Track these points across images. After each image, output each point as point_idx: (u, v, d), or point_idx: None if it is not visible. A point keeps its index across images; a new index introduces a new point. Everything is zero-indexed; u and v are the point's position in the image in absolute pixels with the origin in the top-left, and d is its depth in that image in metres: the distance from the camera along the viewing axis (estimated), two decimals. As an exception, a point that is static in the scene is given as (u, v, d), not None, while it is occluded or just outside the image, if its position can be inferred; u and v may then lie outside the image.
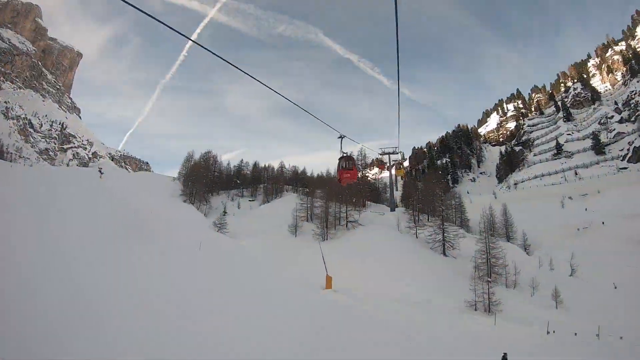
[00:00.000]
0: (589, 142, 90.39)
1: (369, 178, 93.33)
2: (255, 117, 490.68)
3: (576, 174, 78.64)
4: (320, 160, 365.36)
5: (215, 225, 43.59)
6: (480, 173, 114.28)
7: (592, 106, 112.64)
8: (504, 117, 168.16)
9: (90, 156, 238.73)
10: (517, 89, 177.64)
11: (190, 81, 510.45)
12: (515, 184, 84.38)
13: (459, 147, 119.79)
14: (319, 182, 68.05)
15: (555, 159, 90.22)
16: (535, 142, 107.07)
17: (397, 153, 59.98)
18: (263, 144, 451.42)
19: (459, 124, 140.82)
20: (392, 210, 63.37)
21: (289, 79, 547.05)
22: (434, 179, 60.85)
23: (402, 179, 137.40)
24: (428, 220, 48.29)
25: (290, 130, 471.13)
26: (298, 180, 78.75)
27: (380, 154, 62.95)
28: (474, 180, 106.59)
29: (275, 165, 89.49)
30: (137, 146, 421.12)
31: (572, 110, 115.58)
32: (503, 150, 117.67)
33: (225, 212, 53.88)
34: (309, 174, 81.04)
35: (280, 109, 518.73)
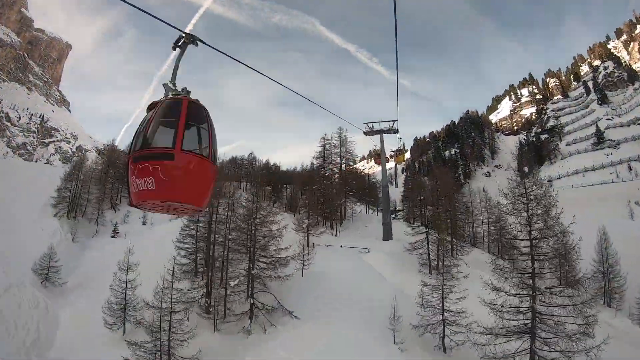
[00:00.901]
0: (636, 130, 70.51)
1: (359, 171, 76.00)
2: (253, 109, 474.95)
3: (630, 168, 59.45)
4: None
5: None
6: (495, 166, 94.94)
7: (631, 86, 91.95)
8: (518, 103, 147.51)
9: (75, 150, 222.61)
10: (530, 73, 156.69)
11: (187, 73, 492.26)
12: (550, 180, 65.23)
13: (469, 136, 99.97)
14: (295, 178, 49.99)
15: (597, 150, 71.00)
16: (567, 129, 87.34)
17: (394, 132, 37.05)
18: (262, 135, 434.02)
19: (467, 110, 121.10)
20: (387, 238, 35.73)
21: (286, 70, 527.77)
22: (441, 174, 40.66)
23: (403, 172, 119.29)
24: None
25: (289, 121, 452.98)
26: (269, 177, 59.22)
27: (368, 131, 37.20)
28: (488, 175, 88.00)
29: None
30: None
31: (606, 92, 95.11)
32: (522, 140, 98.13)
33: (115, 232, 35.72)
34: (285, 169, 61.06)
35: (278, 101, 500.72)
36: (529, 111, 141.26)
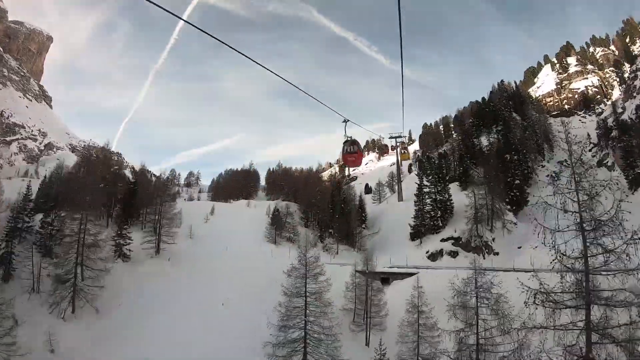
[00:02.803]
0: None
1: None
2: (252, 101, 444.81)
3: None
4: (320, 146, 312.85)
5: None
6: (560, 162, 56.12)
7: None
8: (566, 74, 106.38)
9: (42, 148, 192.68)
10: (567, 42, 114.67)
11: (184, 66, 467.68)
12: None
13: (511, 119, 61.49)
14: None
15: None
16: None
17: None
18: (262, 128, 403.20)
19: (501, 81, 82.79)
20: None
21: (283, 61, 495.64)
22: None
23: (409, 170, 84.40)
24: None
25: (288, 113, 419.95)
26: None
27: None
28: (556, 177, 50.24)
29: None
30: (135, 135, 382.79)
31: None
32: (599, 122, 59.59)
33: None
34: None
35: (276, 92, 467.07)
36: (582, 84, 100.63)
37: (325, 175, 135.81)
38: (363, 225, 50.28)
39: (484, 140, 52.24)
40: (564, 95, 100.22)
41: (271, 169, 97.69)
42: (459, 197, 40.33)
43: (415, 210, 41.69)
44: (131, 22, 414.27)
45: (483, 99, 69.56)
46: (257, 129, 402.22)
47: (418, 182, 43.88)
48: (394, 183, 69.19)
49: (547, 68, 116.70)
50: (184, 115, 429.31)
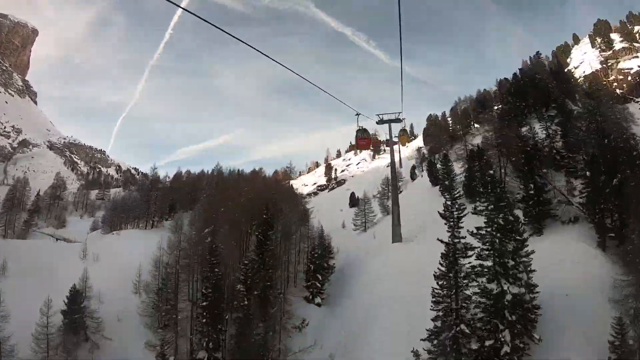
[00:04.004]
0: None
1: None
2: (250, 97, 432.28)
3: None
4: (319, 141, 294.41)
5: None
6: None
7: None
8: (611, 51, 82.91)
9: (16, 146, 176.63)
10: (599, 19, 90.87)
11: (179, 61, 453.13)
12: None
13: (561, 104, 39.31)
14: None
15: None
16: None
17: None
18: (260, 124, 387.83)
19: (537, 53, 62.93)
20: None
21: (281, 56, 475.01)
22: None
23: (413, 175, 62.13)
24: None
25: (286, 109, 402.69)
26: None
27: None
28: None
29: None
30: (132, 131, 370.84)
31: None
32: None
33: None
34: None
35: (275, 88, 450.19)
36: (634, 64, 77.43)
37: (307, 180, 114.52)
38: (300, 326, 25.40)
39: (537, 131, 30.51)
40: (613, 77, 77.22)
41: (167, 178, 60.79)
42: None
43: (439, 291, 17.40)
44: (126, 16, 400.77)
45: (515, 74, 47.77)
46: (256, 125, 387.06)
47: (445, 213, 18.41)
48: (388, 195, 47.81)
49: (583, 46, 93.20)
50: (182, 111, 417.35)
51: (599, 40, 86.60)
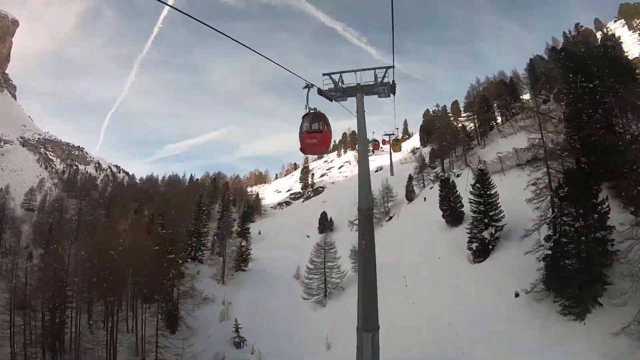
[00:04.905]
0: None
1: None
2: (239, 93, 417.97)
3: None
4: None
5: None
6: None
7: None
8: (654, 35, 66.89)
9: None
10: (621, 4, 75.47)
11: (169, 56, 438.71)
12: None
13: (618, 90, 23.08)
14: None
15: None
16: None
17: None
18: (250, 121, 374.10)
19: (577, 25, 48.01)
20: None
21: (271, 51, 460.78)
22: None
23: (409, 187, 41.43)
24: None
25: (276, 105, 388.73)
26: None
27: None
28: None
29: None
30: (121, 127, 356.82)
31: None
32: None
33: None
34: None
35: (265, 85, 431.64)
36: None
37: (282, 184, 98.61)
38: None
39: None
40: (660, 62, 61.57)
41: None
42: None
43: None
44: (115, 10, 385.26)
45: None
46: (247, 121, 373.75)
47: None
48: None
49: (617, 30, 77.17)
50: (171, 107, 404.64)
51: (637, 21, 70.52)
